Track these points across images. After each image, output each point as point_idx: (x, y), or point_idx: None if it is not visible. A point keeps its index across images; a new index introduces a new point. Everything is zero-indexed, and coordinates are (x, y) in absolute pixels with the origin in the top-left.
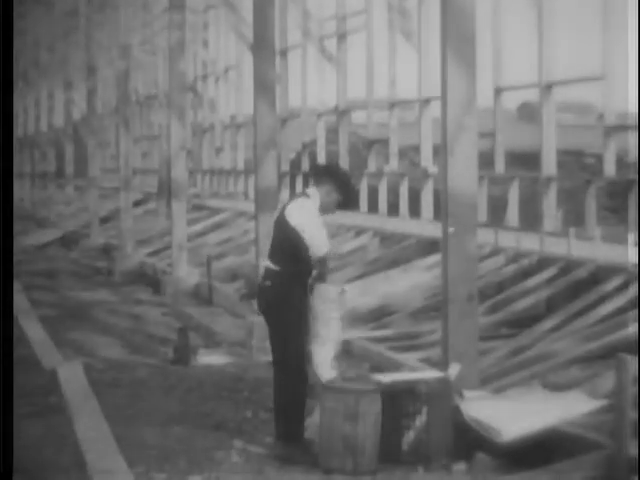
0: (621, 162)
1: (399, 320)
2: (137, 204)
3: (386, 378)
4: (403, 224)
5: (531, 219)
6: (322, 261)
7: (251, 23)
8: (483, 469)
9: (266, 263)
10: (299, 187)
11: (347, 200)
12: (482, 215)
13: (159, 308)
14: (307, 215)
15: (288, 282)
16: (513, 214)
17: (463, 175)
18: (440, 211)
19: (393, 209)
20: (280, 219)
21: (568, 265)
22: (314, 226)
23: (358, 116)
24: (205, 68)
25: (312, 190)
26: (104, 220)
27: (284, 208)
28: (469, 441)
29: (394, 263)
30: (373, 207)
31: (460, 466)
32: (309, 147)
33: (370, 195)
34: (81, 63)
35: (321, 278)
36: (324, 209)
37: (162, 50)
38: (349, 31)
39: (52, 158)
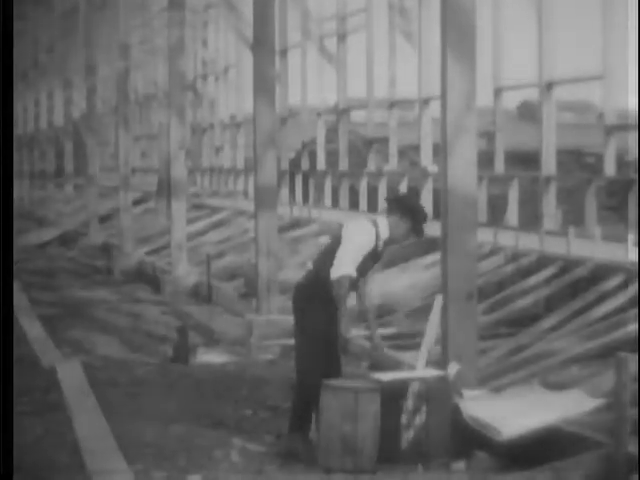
0: (621, 161)
1: (398, 319)
2: (136, 203)
3: (385, 377)
4: None
5: (531, 218)
6: (336, 283)
7: (251, 22)
8: (482, 468)
9: (309, 264)
10: (298, 186)
11: (416, 232)
12: (482, 214)
13: (158, 307)
14: (357, 235)
15: (318, 282)
16: (513, 213)
17: (463, 174)
18: (440, 210)
19: None
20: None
21: (568, 264)
22: (352, 248)
23: (358, 115)
24: (205, 67)
25: (381, 219)
26: (103, 219)
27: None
28: (468, 440)
29: (393, 262)
30: (372, 206)
31: (459, 465)
32: (309, 146)
33: (370, 194)
34: (81, 62)
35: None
36: (392, 239)
37: (161, 49)
38: (349, 30)
39: (51, 157)
